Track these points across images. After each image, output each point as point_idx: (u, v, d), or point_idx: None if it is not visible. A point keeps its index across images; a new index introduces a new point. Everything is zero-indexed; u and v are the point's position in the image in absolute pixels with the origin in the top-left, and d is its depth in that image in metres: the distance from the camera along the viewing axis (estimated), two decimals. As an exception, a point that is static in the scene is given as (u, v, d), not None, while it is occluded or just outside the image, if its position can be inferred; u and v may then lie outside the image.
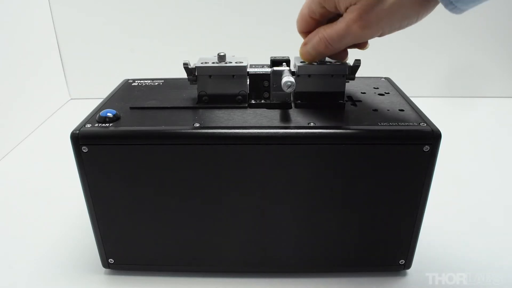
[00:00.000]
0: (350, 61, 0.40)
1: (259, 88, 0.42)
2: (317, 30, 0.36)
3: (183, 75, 0.41)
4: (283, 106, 0.41)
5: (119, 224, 0.41)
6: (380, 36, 0.34)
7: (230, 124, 0.37)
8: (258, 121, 0.38)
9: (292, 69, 0.41)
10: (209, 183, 0.39)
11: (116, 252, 0.43)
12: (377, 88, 0.47)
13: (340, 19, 0.34)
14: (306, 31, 0.38)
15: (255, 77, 0.41)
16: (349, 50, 0.39)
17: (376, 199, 0.39)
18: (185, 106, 0.41)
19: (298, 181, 0.38)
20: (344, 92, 0.41)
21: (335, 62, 0.40)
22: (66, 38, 0.94)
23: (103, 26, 0.93)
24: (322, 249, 0.42)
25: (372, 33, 0.33)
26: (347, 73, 0.40)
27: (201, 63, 0.40)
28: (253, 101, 0.42)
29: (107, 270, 0.45)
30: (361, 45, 0.38)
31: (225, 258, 0.43)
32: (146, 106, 0.42)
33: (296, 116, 0.39)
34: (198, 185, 0.39)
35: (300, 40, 0.40)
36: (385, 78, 0.50)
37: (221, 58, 0.41)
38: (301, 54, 0.38)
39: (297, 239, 0.42)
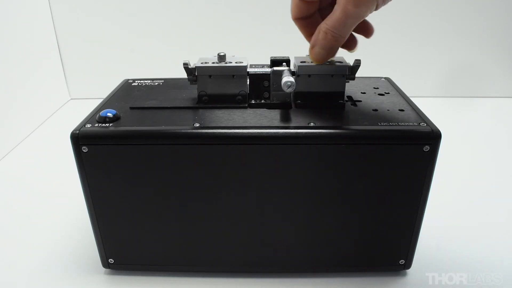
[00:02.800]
0: (350, 61, 0.40)
1: (259, 88, 0.42)
2: (318, 28, 0.36)
3: (183, 75, 0.41)
4: (283, 106, 0.41)
5: (119, 224, 0.41)
6: (376, 9, 0.34)
7: (230, 124, 0.37)
8: (258, 121, 0.38)
9: (292, 69, 0.41)
10: (209, 183, 0.39)
11: (116, 252, 0.43)
12: (377, 88, 0.47)
13: (336, 6, 0.34)
14: (299, 17, 0.38)
15: (255, 77, 0.41)
16: (349, 51, 0.39)
17: (376, 199, 0.39)
18: (185, 106, 0.41)
19: (298, 181, 0.38)
20: (344, 92, 0.41)
21: (336, 61, 0.40)
22: (66, 38, 0.94)
23: (103, 26, 0.93)
24: (322, 249, 0.42)
25: (367, 8, 0.33)
26: (347, 73, 0.40)
27: (201, 63, 0.40)
28: (253, 101, 0.42)
29: (107, 270, 0.45)
30: (366, 32, 0.38)
31: (225, 258, 0.43)
32: (146, 106, 0.42)
33: (296, 116, 0.39)
34: (198, 185, 0.39)
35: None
36: (385, 78, 0.50)
37: (221, 58, 0.41)
38: (313, 57, 0.38)
39: (297, 239, 0.42)
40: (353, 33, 0.38)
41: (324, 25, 0.35)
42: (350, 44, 0.39)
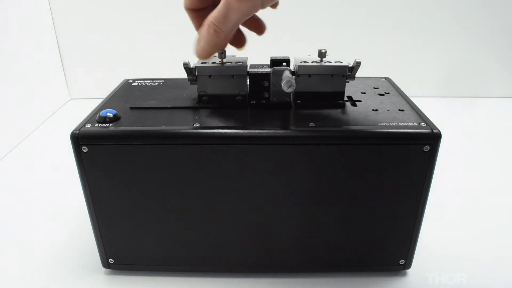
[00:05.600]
0: (350, 61, 0.40)
1: (259, 88, 0.42)
2: (204, 21, 0.35)
3: (183, 75, 0.41)
4: (283, 106, 0.41)
5: (119, 224, 0.41)
6: (262, 7, 0.34)
7: (230, 124, 0.37)
8: (258, 121, 0.38)
9: (292, 69, 0.41)
10: (209, 183, 0.39)
11: (116, 252, 0.43)
12: (377, 88, 0.47)
13: (221, 0, 0.33)
14: (191, 8, 0.37)
15: (255, 77, 0.41)
16: (237, 49, 0.39)
17: (376, 199, 0.39)
18: (185, 106, 0.41)
19: (298, 181, 0.38)
20: (344, 92, 0.41)
21: (334, 62, 0.40)
22: (66, 38, 0.94)
23: (103, 26, 0.93)
24: (322, 249, 0.42)
25: (250, 4, 0.33)
26: (347, 73, 0.40)
27: (201, 63, 0.40)
28: (253, 101, 0.42)
29: (107, 270, 0.45)
30: (258, 29, 0.38)
31: (225, 258, 0.43)
32: (146, 106, 0.42)
33: (296, 116, 0.39)
34: (198, 185, 0.39)
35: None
36: (385, 78, 0.50)
37: (221, 55, 0.40)
38: (197, 52, 0.37)
39: (297, 239, 0.42)
40: (244, 30, 0.38)
41: (209, 18, 0.35)
42: (238, 42, 0.39)
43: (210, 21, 0.34)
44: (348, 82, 0.41)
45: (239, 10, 0.33)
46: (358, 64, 0.39)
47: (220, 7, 0.33)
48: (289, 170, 0.38)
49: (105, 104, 0.42)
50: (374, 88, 0.47)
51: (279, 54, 0.42)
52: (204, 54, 0.37)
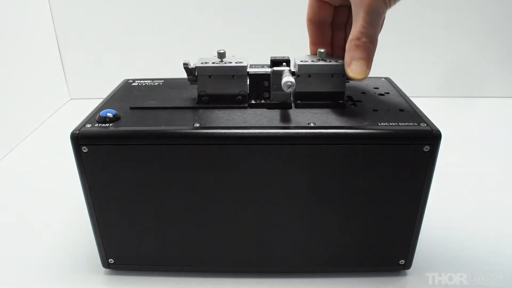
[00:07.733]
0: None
1: (259, 88, 0.42)
2: (346, 46, 0.36)
3: (183, 75, 0.41)
4: (283, 106, 0.41)
5: (119, 224, 0.41)
6: (389, 6, 0.35)
7: (230, 124, 0.37)
8: (258, 121, 0.38)
9: (292, 69, 0.41)
10: (209, 183, 0.39)
11: (116, 252, 0.43)
12: (377, 88, 0.47)
13: (354, 15, 0.35)
14: (313, 19, 0.39)
15: (255, 77, 0.41)
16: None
17: (376, 199, 0.39)
18: (185, 106, 0.41)
19: (298, 181, 0.38)
20: (344, 92, 0.41)
21: (334, 61, 0.40)
22: (66, 38, 0.94)
23: (103, 26, 0.93)
24: (322, 249, 0.42)
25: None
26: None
27: (201, 63, 0.40)
28: (253, 101, 0.42)
29: (107, 270, 0.45)
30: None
31: (225, 258, 0.43)
32: (146, 106, 0.42)
33: (296, 116, 0.39)
34: (198, 185, 0.39)
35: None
36: (385, 78, 0.50)
37: (221, 55, 0.41)
38: (354, 72, 0.36)
39: (297, 239, 0.42)
40: None
41: (354, 36, 0.35)
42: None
43: (356, 35, 0.35)
44: (348, 82, 0.41)
45: (376, 8, 0.34)
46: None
47: (360, 15, 0.35)
48: (289, 170, 0.38)
49: (105, 104, 0.42)
50: (374, 88, 0.47)
51: (279, 54, 0.42)
52: (362, 70, 0.36)
